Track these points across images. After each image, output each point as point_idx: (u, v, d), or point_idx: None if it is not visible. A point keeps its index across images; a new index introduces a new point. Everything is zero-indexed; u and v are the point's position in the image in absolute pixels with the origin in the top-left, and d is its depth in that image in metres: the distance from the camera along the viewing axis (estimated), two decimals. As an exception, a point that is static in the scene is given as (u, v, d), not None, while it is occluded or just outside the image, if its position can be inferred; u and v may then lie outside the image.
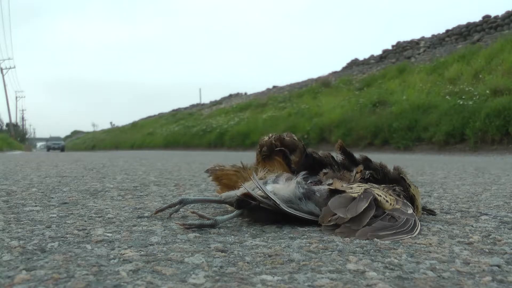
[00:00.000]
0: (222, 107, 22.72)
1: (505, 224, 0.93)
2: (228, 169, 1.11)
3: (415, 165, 3.64)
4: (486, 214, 1.06)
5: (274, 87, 22.65)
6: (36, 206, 1.13)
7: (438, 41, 15.16)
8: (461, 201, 1.32)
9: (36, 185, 1.69)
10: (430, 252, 0.68)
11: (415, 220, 0.83)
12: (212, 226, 0.84)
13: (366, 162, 1.02)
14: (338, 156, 1.04)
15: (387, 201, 0.86)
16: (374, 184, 0.94)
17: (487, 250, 0.70)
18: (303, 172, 1.00)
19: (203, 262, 0.61)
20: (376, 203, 0.84)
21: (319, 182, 0.96)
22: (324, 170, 1.00)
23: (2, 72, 32.90)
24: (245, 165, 1.09)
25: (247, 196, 0.86)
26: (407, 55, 15.41)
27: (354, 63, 18.24)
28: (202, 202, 1.15)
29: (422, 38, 16.20)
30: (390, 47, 16.96)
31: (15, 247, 0.68)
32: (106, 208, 1.11)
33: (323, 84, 16.24)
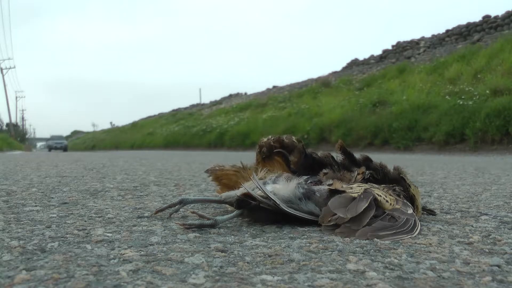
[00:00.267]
0: (222, 107, 22.72)
1: (505, 224, 0.93)
2: (228, 169, 1.11)
3: (415, 165, 3.64)
4: (486, 214, 1.06)
5: (274, 87, 22.66)
6: (36, 206, 1.13)
7: (438, 41, 15.16)
8: (461, 201, 1.32)
9: (36, 185, 1.69)
10: (430, 252, 0.68)
11: (415, 220, 0.83)
12: (212, 226, 0.84)
13: (367, 162, 1.02)
14: (338, 156, 1.04)
15: (387, 201, 0.86)
16: (374, 184, 0.94)
17: (487, 250, 0.70)
18: (304, 172, 1.00)
19: (203, 262, 0.61)
20: (376, 203, 0.84)
21: (319, 182, 0.96)
22: (324, 170, 1.00)
23: (2, 72, 32.89)
24: (245, 165, 1.09)
25: (247, 196, 0.86)
26: (407, 55, 15.41)
27: (354, 63, 18.24)
28: (202, 202, 1.15)
29: (422, 38, 16.21)
30: (390, 47, 16.96)
31: (15, 247, 0.68)
32: (106, 208, 1.11)
33: (323, 84, 16.24)
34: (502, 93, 7.85)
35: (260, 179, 0.97)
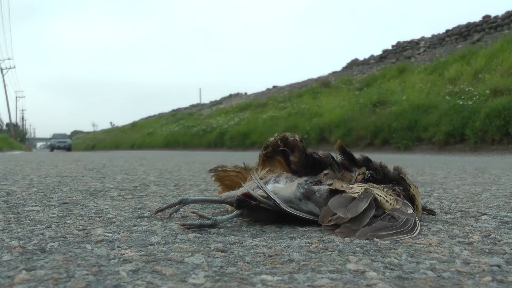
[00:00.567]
0: (222, 107, 22.72)
1: (505, 224, 0.93)
2: (231, 170, 1.11)
3: (415, 165, 3.64)
4: (486, 214, 1.06)
5: (274, 87, 22.65)
6: (36, 206, 1.13)
7: (438, 41, 15.16)
8: (461, 201, 1.32)
9: (36, 185, 1.69)
10: (430, 252, 0.68)
11: (415, 220, 0.83)
12: (212, 226, 0.84)
13: (366, 162, 1.02)
14: (338, 156, 1.04)
15: (387, 201, 0.86)
16: (374, 184, 0.94)
17: (487, 250, 0.70)
18: (304, 172, 1.00)
19: (203, 262, 0.61)
20: (376, 203, 0.84)
21: (319, 182, 0.96)
22: (325, 171, 1.00)
23: (2, 72, 32.86)
24: (247, 166, 1.09)
25: (247, 196, 0.86)
26: (407, 55, 15.41)
27: (354, 63, 18.24)
28: (202, 202, 1.15)
29: (422, 38, 16.20)
30: (390, 47, 16.96)
31: (15, 247, 0.68)
32: (106, 208, 1.11)
33: (323, 84, 16.24)
34: (502, 93, 7.84)
35: (261, 178, 0.97)
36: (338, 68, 19.39)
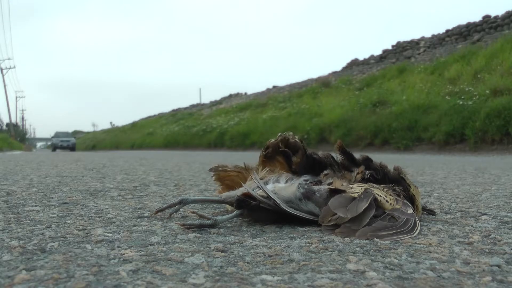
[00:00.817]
0: (222, 107, 22.72)
1: (505, 224, 0.93)
2: (231, 170, 1.11)
3: (415, 165, 3.64)
4: (486, 214, 1.06)
5: (274, 87, 22.65)
6: (36, 206, 1.13)
7: (438, 41, 15.16)
8: (461, 201, 1.32)
9: (36, 185, 1.69)
10: (430, 252, 0.68)
11: (415, 220, 0.83)
12: (212, 226, 0.84)
13: (367, 162, 1.02)
14: (338, 156, 1.04)
15: (387, 201, 0.86)
16: (374, 184, 0.94)
17: (487, 250, 0.70)
18: (304, 173, 1.00)
19: (203, 262, 0.61)
20: (376, 203, 0.84)
21: (319, 182, 0.96)
22: (325, 172, 1.00)
23: (2, 72, 32.85)
24: (247, 166, 1.09)
25: (247, 196, 0.86)
26: (407, 55, 15.41)
27: (354, 63, 18.24)
28: (202, 202, 1.15)
29: (422, 38, 16.21)
30: (390, 47, 16.96)
31: (15, 247, 0.68)
32: (106, 208, 1.11)
33: (323, 84, 16.23)
34: (502, 93, 7.84)
35: (261, 178, 0.97)
36: (338, 68, 19.40)
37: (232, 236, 0.78)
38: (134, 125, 32.90)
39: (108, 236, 0.77)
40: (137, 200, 1.28)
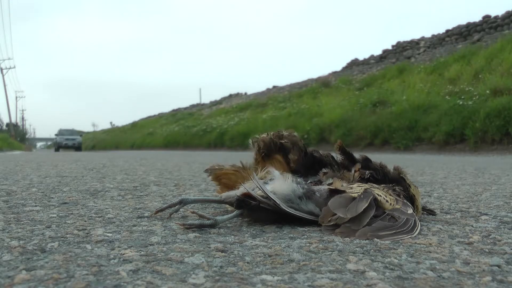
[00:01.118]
0: (222, 107, 22.72)
1: (505, 224, 0.93)
2: (228, 168, 1.11)
3: (415, 165, 3.64)
4: (486, 214, 1.06)
5: (274, 87, 22.65)
6: (36, 206, 1.13)
7: (438, 41, 15.16)
8: (461, 201, 1.32)
9: (36, 185, 1.69)
10: (430, 252, 0.68)
11: (415, 220, 0.83)
12: (212, 226, 0.84)
13: (366, 162, 1.02)
14: (337, 156, 1.04)
15: (387, 201, 0.86)
16: (374, 184, 0.94)
17: (487, 250, 0.70)
18: (303, 172, 1.00)
19: (203, 262, 0.61)
20: (376, 203, 0.84)
21: (319, 182, 0.96)
22: (324, 170, 1.00)
23: (2, 72, 32.83)
24: (244, 165, 1.09)
25: (247, 196, 0.86)
26: (407, 55, 15.41)
27: (354, 63, 18.25)
28: (202, 202, 1.15)
29: (422, 38, 16.21)
30: (390, 47, 16.96)
31: (15, 247, 0.68)
32: (106, 208, 1.11)
33: (323, 84, 16.24)
34: (502, 93, 7.85)
35: (260, 178, 0.97)
36: (338, 68, 19.41)
37: (232, 236, 0.78)
38: (134, 125, 32.89)
39: (108, 236, 0.77)
40: (137, 200, 1.28)
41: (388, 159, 1.63)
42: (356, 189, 0.88)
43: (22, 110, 56.24)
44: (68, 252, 0.66)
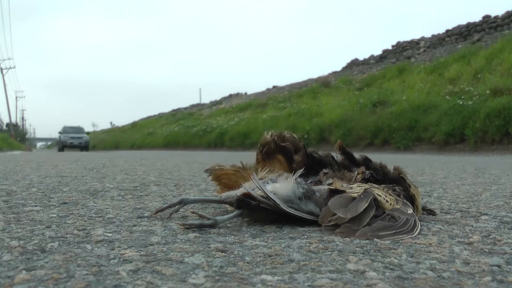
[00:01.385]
0: (222, 107, 22.72)
1: (505, 224, 0.93)
2: (228, 168, 1.11)
3: (415, 165, 3.64)
4: (486, 214, 1.06)
5: (274, 87, 22.66)
6: (36, 206, 1.13)
7: (438, 41, 15.16)
8: (461, 201, 1.32)
9: (36, 185, 1.69)
10: (430, 252, 0.68)
11: (415, 220, 0.83)
12: (212, 226, 0.84)
13: (366, 162, 1.02)
14: (338, 156, 1.04)
15: (387, 201, 0.86)
16: (374, 184, 0.94)
17: (487, 250, 0.70)
18: (303, 172, 1.00)
19: (203, 262, 0.61)
20: (376, 203, 0.84)
21: (319, 182, 0.96)
22: (324, 170, 1.00)
23: (2, 72, 32.81)
24: (244, 165, 1.09)
25: (247, 196, 0.86)
26: (407, 55, 15.42)
27: (354, 63, 18.25)
28: (202, 202, 1.15)
29: (422, 38, 16.21)
30: (390, 47, 16.97)
31: (15, 247, 0.68)
32: (106, 208, 1.11)
33: (323, 84, 16.24)
34: (502, 93, 7.85)
35: (260, 178, 0.97)
36: (338, 68, 19.41)
37: (232, 236, 0.78)
38: (134, 125, 32.88)
39: (108, 236, 0.77)
40: (137, 200, 1.28)
41: (388, 159, 1.63)
42: (356, 189, 0.88)
43: (22, 110, 56.27)
44: (68, 252, 0.66)
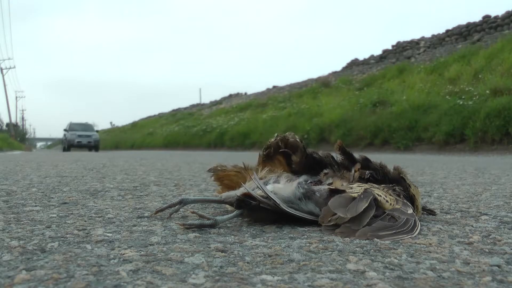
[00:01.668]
0: (222, 107, 22.72)
1: (505, 224, 0.93)
2: (230, 169, 1.11)
3: (415, 165, 3.64)
4: (486, 214, 1.06)
5: (274, 87, 22.66)
6: (36, 206, 1.13)
7: (438, 41, 15.17)
8: (461, 201, 1.32)
9: (36, 185, 1.69)
10: (430, 252, 0.68)
11: (415, 220, 0.83)
12: (212, 226, 0.84)
13: (366, 162, 1.02)
14: (337, 156, 1.04)
15: (387, 201, 0.86)
16: (374, 184, 0.94)
17: (487, 250, 0.70)
18: (304, 172, 1.00)
19: (203, 262, 0.61)
20: (376, 203, 0.84)
21: (319, 182, 0.96)
22: (325, 171, 1.00)
23: (2, 72, 32.80)
24: (246, 166, 1.09)
25: (247, 196, 0.86)
26: (407, 55, 15.42)
27: (354, 63, 18.25)
28: (202, 202, 1.15)
29: (422, 38, 16.21)
30: (390, 47, 16.97)
31: (15, 247, 0.68)
32: (106, 208, 1.11)
33: (323, 84, 16.24)
34: (502, 93, 7.85)
35: (261, 179, 0.97)
36: (338, 68, 19.42)
37: (232, 236, 0.78)
38: (134, 125, 32.88)
39: (108, 236, 0.77)
40: (137, 200, 1.28)
41: (388, 159, 1.63)
42: (356, 189, 0.88)
43: (22, 110, 56.30)
44: (68, 252, 0.66)
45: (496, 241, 0.77)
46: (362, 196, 0.84)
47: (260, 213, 0.87)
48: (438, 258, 0.65)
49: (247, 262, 0.62)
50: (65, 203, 1.20)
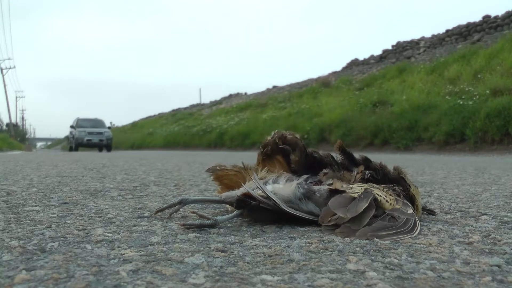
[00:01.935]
0: (222, 107, 22.72)
1: (505, 224, 0.93)
2: (229, 169, 1.11)
3: (415, 165, 3.64)
4: (486, 214, 1.06)
5: (274, 87, 22.66)
6: (36, 206, 1.13)
7: (438, 41, 15.17)
8: (461, 201, 1.32)
9: (36, 185, 1.69)
10: (430, 252, 0.68)
11: (415, 220, 0.83)
12: (212, 226, 0.84)
13: (366, 162, 1.02)
14: (337, 156, 1.04)
15: (387, 201, 0.86)
16: (374, 184, 0.94)
17: (487, 250, 0.70)
18: (304, 172, 1.00)
19: (203, 262, 0.61)
20: (376, 203, 0.84)
21: (319, 182, 0.96)
22: (324, 170, 1.00)
23: (2, 72, 32.78)
24: (246, 165, 1.09)
25: (247, 196, 0.86)
26: (407, 55, 15.42)
27: (354, 63, 18.26)
28: (202, 202, 1.15)
29: (422, 38, 16.21)
30: (390, 47, 16.97)
31: (15, 247, 0.68)
32: (106, 208, 1.11)
33: (323, 84, 16.25)
34: (502, 93, 7.85)
35: (261, 179, 0.97)
36: (338, 68, 19.42)
37: (232, 236, 0.78)
38: (134, 125, 32.86)
39: (108, 236, 0.77)
40: (137, 200, 1.28)
41: (388, 159, 1.63)
42: (356, 189, 0.88)
43: (22, 110, 56.27)
44: (68, 252, 0.66)
45: (496, 241, 0.77)
46: (362, 196, 0.84)
47: (260, 213, 0.87)
48: (438, 258, 0.65)
49: (247, 262, 0.62)
50: (65, 203, 1.20)
